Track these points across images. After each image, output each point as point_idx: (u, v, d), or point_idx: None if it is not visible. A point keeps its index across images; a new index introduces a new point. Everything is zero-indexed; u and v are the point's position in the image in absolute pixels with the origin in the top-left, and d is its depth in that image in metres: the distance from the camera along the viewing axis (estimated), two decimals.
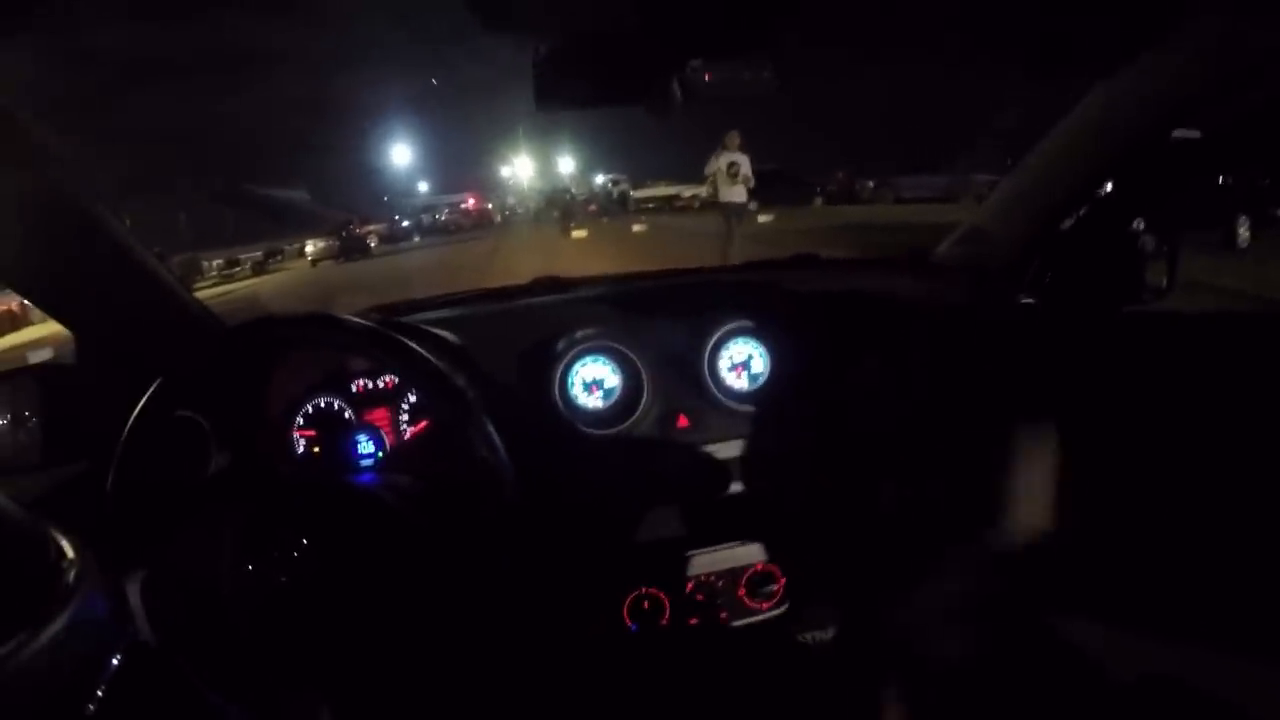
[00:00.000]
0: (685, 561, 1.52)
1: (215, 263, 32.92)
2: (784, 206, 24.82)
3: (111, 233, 1.26)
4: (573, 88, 1.25)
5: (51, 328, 1.42)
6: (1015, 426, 1.57)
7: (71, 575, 0.66)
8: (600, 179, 43.07)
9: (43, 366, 1.42)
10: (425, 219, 41.33)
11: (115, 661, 0.70)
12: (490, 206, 44.40)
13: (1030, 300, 1.65)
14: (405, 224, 39.66)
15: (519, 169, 54.68)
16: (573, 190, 32.21)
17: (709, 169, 11.67)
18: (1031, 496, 1.51)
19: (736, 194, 11.73)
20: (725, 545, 1.55)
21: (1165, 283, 1.67)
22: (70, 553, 0.68)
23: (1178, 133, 1.50)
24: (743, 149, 11.52)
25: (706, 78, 1.23)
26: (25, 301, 1.34)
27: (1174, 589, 1.47)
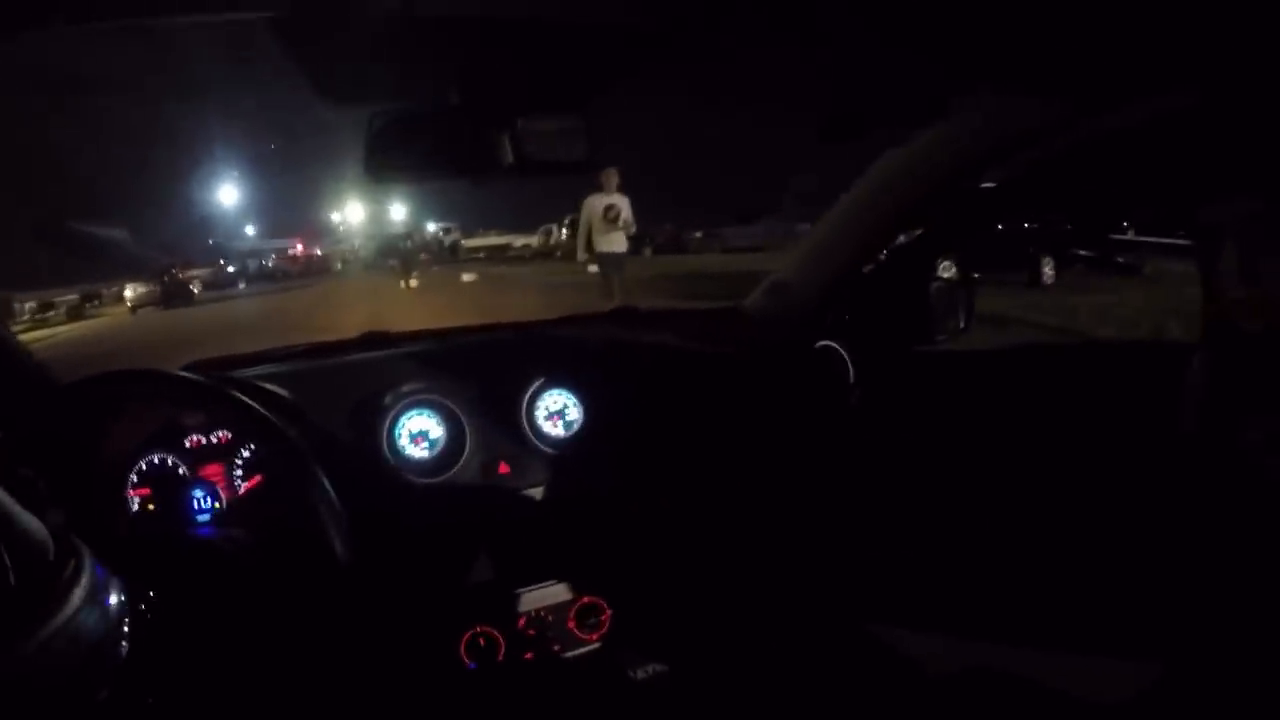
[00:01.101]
0: (516, 599, 1.57)
1: (29, 305, 30.13)
2: None
3: None
4: (402, 160, 1.31)
5: None
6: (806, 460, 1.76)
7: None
8: (432, 227, 42.46)
9: None
10: (251, 264, 38.81)
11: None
12: (319, 253, 42.34)
13: (829, 343, 1.81)
14: (231, 269, 37.05)
15: (349, 214, 53.25)
16: (410, 238, 31.70)
17: (583, 213, 9.89)
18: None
19: (616, 243, 9.93)
20: (552, 581, 1.61)
21: (962, 321, 1.86)
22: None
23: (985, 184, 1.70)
24: (621, 189, 9.71)
25: (524, 149, 1.30)
26: None
27: (985, 598, 1.63)
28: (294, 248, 42.63)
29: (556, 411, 1.71)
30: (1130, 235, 13.73)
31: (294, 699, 1.26)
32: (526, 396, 1.68)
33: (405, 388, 1.64)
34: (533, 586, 1.58)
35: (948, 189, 1.67)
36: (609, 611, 1.62)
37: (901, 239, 1.85)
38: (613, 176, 9.54)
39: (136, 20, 0.98)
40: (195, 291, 29.61)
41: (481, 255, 36.01)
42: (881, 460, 1.76)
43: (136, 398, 1.47)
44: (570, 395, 1.71)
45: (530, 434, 1.67)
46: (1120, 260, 13.53)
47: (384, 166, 1.30)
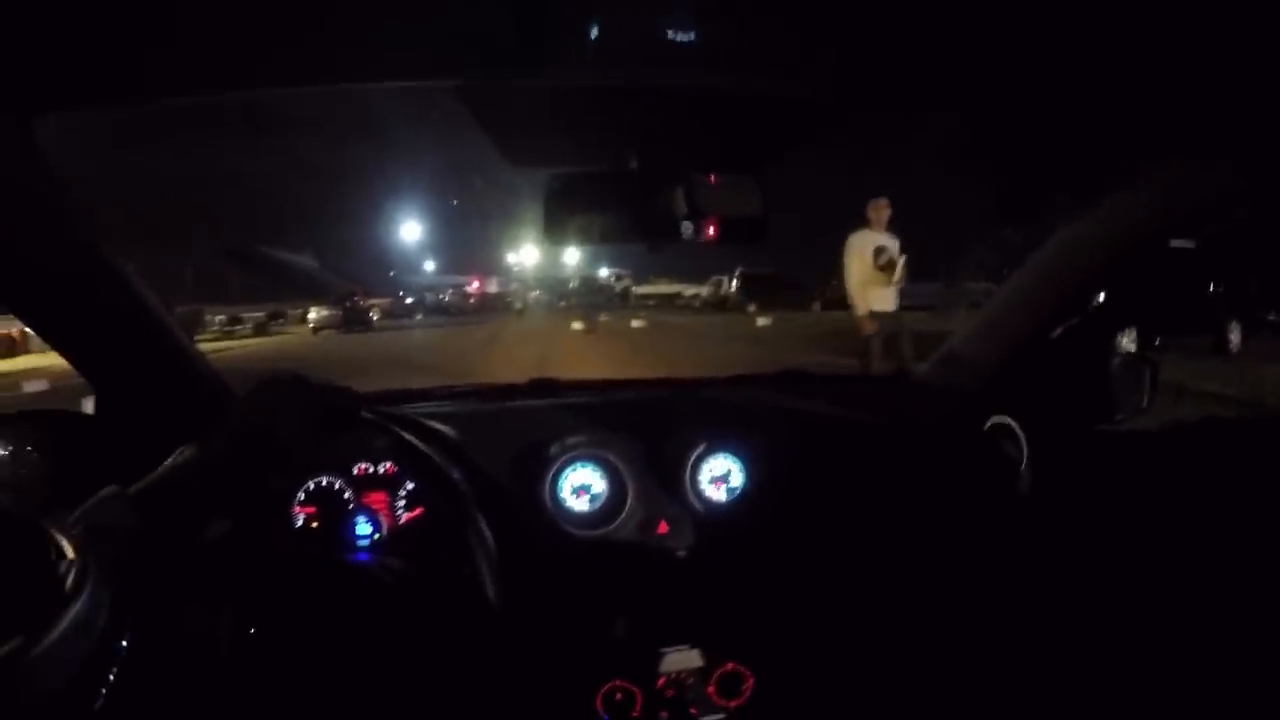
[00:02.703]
0: (659, 658, 1.55)
1: (218, 318, 32.86)
2: (783, 310, 25.27)
3: (138, 296, 1.34)
4: (579, 222, 1.35)
5: (49, 358, 1.46)
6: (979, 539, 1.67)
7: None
8: (604, 272, 43.38)
9: (57, 413, 1.47)
10: (429, 298, 41.09)
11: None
12: (494, 290, 44.22)
13: (1002, 419, 1.72)
14: (409, 301, 39.74)
15: (524, 256, 55.31)
16: (582, 283, 32.45)
17: (848, 256, 7.30)
18: None
19: (884, 299, 7.28)
20: (698, 645, 1.58)
21: (1145, 399, 1.74)
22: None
23: (1175, 242, 1.59)
24: (892, 227, 7.37)
25: (709, 225, 1.32)
26: (26, 330, 1.40)
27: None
28: (470, 284, 44.70)
29: (720, 476, 1.70)
30: None
31: None
32: (691, 459, 1.67)
33: (571, 440, 1.67)
34: (678, 648, 1.56)
35: (1132, 258, 1.58)
36: (751, 681, 1.58)
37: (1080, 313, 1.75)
38: (883, 210, 7.30)
39: (333, 85, 1.04)
40: (374, 319, 31.52)
41: (651, 302, 36.85)
42: (1048, 552, 1.66)
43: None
44: (735, 460, 1.70)
45: (692, 496, 1.66)
46: None
47: (561, 228, 1.34)
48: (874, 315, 7.23)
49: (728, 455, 1.70)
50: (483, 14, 0.87)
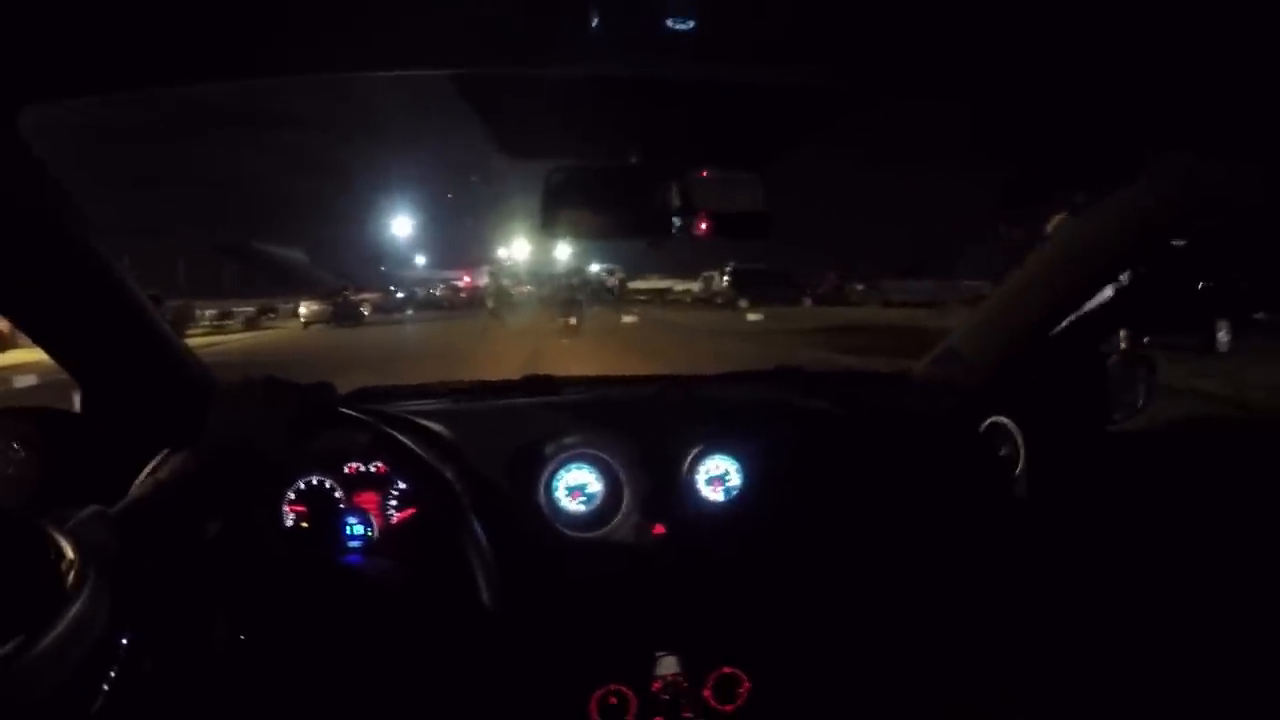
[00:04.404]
0: (654, 661, 1.54)
1: (209, 312, 33.00)
2: (774, 306, 25.56)
3: (125, 292, 1.33)
4: (579, 216, 1.33)
5: (38, 353, 1.44)
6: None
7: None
8: (595, 268, 43.44)
9: (42, 410, 1.46)
10: (419, 292, 42.60)
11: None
12: (483, 285, 44.05)
13: (999, 419, 1.72)
14: (400, 295, 40.80)
15: (515, 252, 55.81)
16: (573, 278, 32.78)
17: None
18: None
19: None
20: (694, 648, 1.57)
21: (1142, 399, 1.73)
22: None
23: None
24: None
25: (702, 220, 1.30)
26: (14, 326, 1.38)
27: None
28: (461, 279, 46.42)
29: (717, 476, 1.68)
30: None
31: None
32: (689, 459, 1.65)
33: (566, 439, 1.64)
34: (673, 651, 1.55)
35: (1134, 256, 1.57)
36: (748, 684, 1.57)
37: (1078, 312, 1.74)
38: None
39: (334, 74, 1.03)
40: (365, 314, 31.68)
41: (643, 298, 36.85)
42: (1043, 553, 1.65)
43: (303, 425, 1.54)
44: (733, 461, 1.68)
45: (689, 497, 1.64)
46: None
47: (560, 222, 1.33)
48: None
49: (725, 455, 1.68)
50: (488, 2, 0.86)
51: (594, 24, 0.86)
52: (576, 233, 1.38)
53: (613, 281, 39.60)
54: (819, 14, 0.93)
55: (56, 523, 0.73)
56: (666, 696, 1.54)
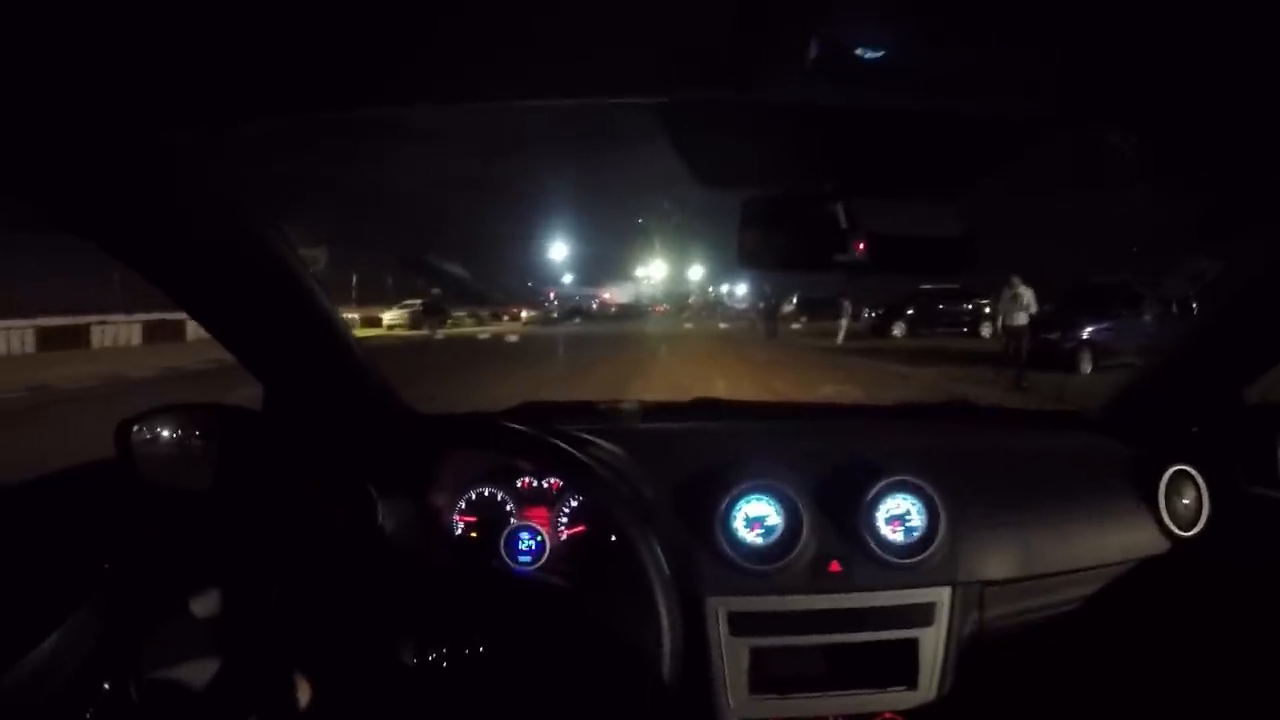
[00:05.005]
0: (815, 701, 1.50)
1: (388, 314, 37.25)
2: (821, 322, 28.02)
3: (314, 298, 1.38)
4: (774, 247, 1.33)
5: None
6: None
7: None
8: (725, 288, 45.69)
9: (228, 407, 1.56)
10: (569, 305, 50.36)
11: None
12: (622, 300, 54.57)
13: (1184, 468, 1.64)
14: (554, 314, 47.85)
15: (652, 271, 60.27)
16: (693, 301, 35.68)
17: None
18: None
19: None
20: (858, 690, 1.51)
21: None
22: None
23: None
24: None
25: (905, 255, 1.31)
26: None
27: None
28: (601, 296, 56.36)
29: (898, 516, 1.57)
30: None
31: None
32: (869, 496, 1.54)
33: (747, 468, 1.57)
34: (835, 692, 1.50)
35: None
36: None
37: None
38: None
39: (540, 101, 1.05)
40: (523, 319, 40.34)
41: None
42: (1225, 613, 1.52)
43: (484, 445, 1.60)
44: (915, 501, 1.57)
45: (868, 537, 1.53)
46: None
47: (756, 253, 1.33)
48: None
49: (907, 496, 1.57)
50: (698, 30, 0.86)
51: (812, 54, 0.84)
52: (771, 263, 1.37)
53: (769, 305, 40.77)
54: (1029, 46, 0.90)
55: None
56: None
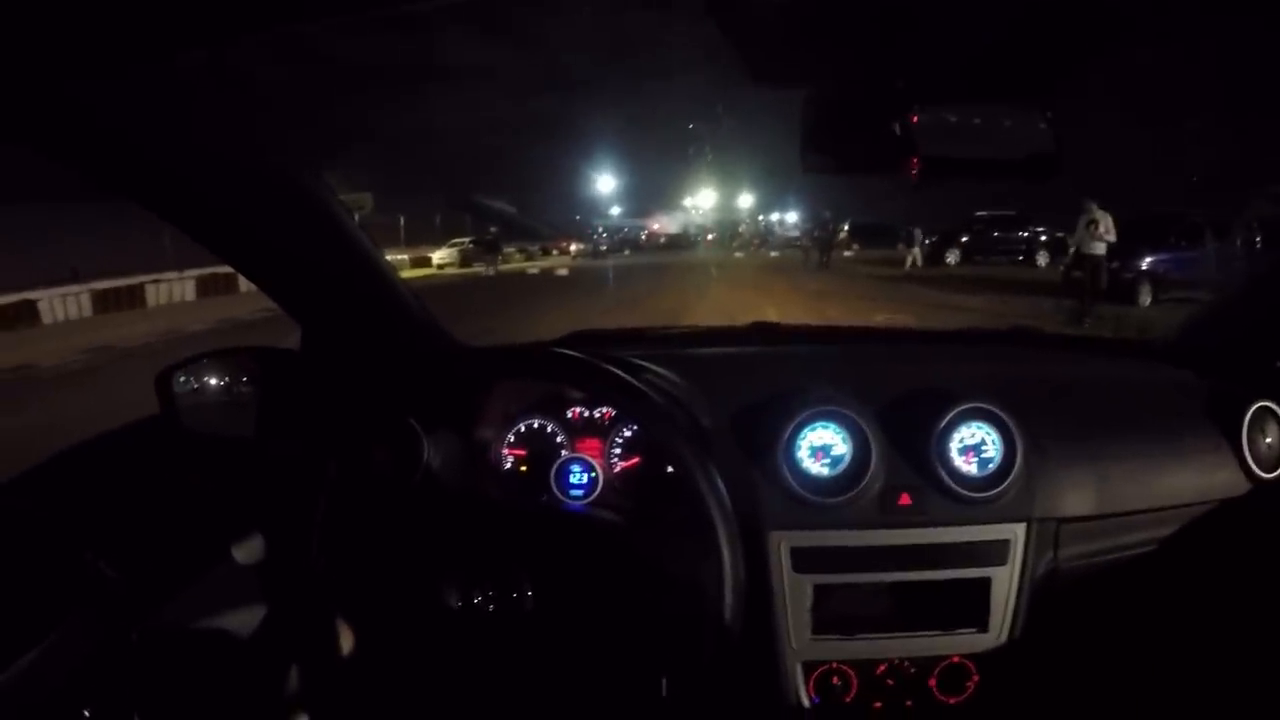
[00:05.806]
0: (881, 642, 1.43)
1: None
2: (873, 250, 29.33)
3: (351, 238, 1.33)
4: (841, 151, 1.23)
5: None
6: None
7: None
8: (775, 216, 45.71)
9: (269, 349, 1.53)
10: (617, 237, 52.51)
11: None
12: (672, 230, 56.70)
13: (1269, 404, 1.52)
14: (604, 246, 49.09)
15: (701, 200, 61.62)
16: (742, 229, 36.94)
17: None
18: None
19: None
20: (925, 632, 1.43)
21: None
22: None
23: None
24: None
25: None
26: None
27: None
28: (650, 227, 57.51)
29: (972, 446, 1.47)
30: None
31: (627, 692, 1.29)
32: (941, 424, 1.44)
33: (811, 395, 1.48)
34: (904, 634, 1.43)
35: None
36: (976, 678, 1.43)
37: None
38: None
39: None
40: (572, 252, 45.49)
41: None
42: None
43: (533, 375, 1.52)
44: (990, 431, 1.46)
45: (940, 468, 1.42)
46: None
47: (821, 158, 1.23)
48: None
49: (981, 424, 1.46)
50: None
51: None
52: (838, 169, 1.26)
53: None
54: None
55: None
56: (891, 681, 1.44)
